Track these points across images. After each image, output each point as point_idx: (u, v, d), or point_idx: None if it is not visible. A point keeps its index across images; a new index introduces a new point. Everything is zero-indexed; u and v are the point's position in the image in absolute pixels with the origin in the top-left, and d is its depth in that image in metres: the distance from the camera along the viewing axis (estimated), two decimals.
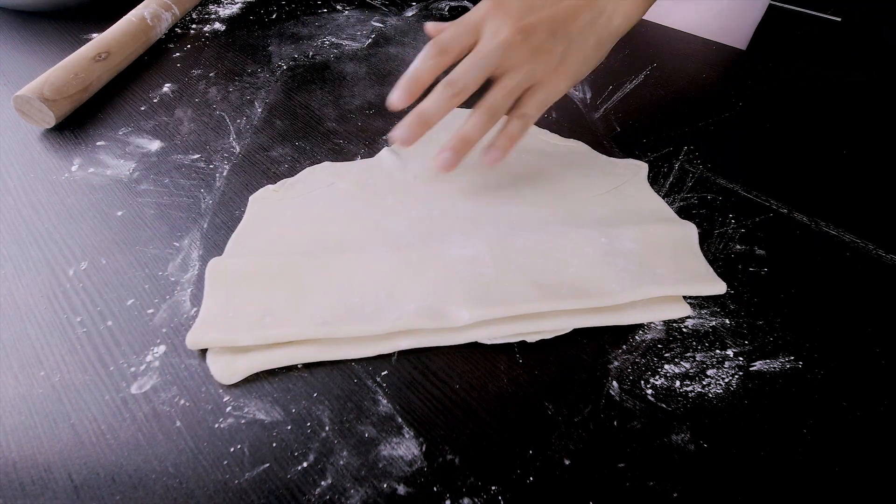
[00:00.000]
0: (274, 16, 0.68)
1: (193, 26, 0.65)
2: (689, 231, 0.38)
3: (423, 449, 0.28)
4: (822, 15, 0.69)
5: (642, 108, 0.52)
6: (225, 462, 0.27)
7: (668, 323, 0.34)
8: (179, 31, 0.64)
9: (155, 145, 0.46)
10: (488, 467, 0.27)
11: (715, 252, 0.38)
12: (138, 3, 0.61)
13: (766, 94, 0.55)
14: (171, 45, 0.61)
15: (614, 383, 0.30)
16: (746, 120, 0.52)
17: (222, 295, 0.33)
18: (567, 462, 0.27)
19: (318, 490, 0.26)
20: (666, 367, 0.31)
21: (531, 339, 0.32)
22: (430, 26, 0.43)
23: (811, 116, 0.52)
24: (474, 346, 0.32)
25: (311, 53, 0.60)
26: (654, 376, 0.31)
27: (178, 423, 0.28)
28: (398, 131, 0.37)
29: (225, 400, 0.29)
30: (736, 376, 0.31)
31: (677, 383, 0.30)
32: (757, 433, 0.28)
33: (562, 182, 0.43)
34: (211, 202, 0.41)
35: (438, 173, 0.43)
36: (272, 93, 0.54)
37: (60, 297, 0.34)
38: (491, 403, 0.30)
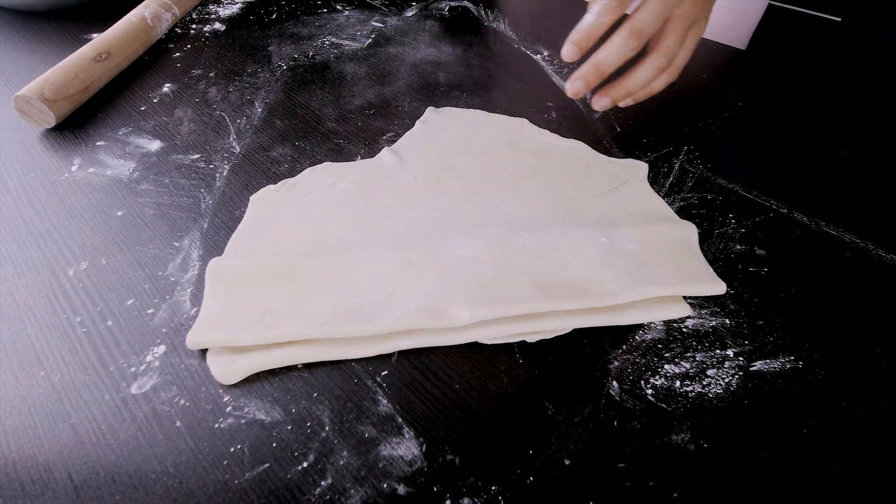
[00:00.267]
0: (274, 16, 0.68)
1: (193, 26, 0.65)
2: (689, 231, 0.38)
3: (423, 449, 0.28)
4: (822, 15, 0.69)
5: (642, 108, 0.52)
6: (225, 462, 0.27)
7: (668, 323, 0.34)
8: (179, 31, 0.64)
9: (155, 145, 0.46)
10: (488, 467, 0.27)
11: (715, 252, 0.38)
12: (138, 3, 0.61)
13: (766, 94, 0.55)
14: (171, 45, 0.61)
15: (614, 383, 0.30)
16: (746, 120, 0.51)
17: (222, 295, 0.33)
18: (567, 462, 0.27)
19: (318, 490, 0.26)
20: (666, 367, 0.31)
21: (531, 339, 0.32)
22: None
23: (811, 116, 0.52)
24: (474, 346, 0.32)
25: (311, 53, 0.60)
26: (654, 376, 0.31)
27: (178, 423, 0.28)
28: (572, 84, 0.37)
29: (225, 400, 0.29)
30: (736, 376, 0.31)
31: (677, 383, 0.30)
32: (757, 433, 0.28)
33: (562, 182, 0.43)
34: (211, 202, 0.41)
35: (438, 173, 0.44)
36: (272, 93, 0.54)
37: (60, 297, 0.34)
38: (491, 403, 0.30)
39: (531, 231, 0.37)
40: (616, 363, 0.31)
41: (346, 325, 0.31)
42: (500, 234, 0.37)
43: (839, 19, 0.70)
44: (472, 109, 0.51)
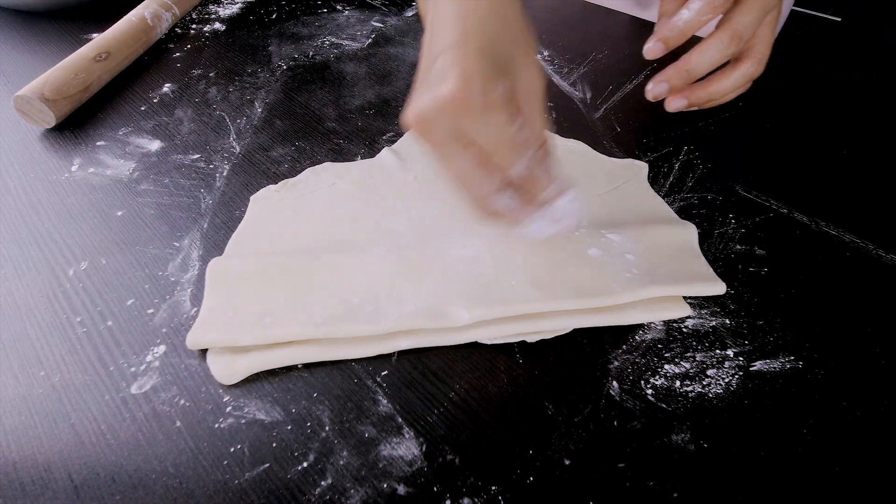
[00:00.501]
0: (274, 16, 0.68)
1: (193, 26, 0.65)
2: (689, 231, 0.38)
3: (423, 449, 0.28)
4: (822, 15, 0.69)
5: (642, 108, 0.52)
6: (225, 462, 0.27)
7: (668, 323, 0.34)
8: (179, 31, 0.64)
9: (155, 145, 0.46)
10: (488, 467, 0.27)
11: (715, 252, 0.38)
12: (138, 3, 0.61)
13: (766, 94, 0.55)
14: (171, 45, 0.61)
15: (614, 383, 0.30)
16: (746, 120, 0.51)
17: (222, 295, 0.33)
18: (567, 462, 0.27)
19: (318, 490, 0.26)
20: (666, 367, 0.31)
21: (531, 339, 0.32)
22: None
23: (811, 116, 0.52)
24: (474, 346, 0.32)
25: (311, 53, 0.60)
26: (654, 376, 0.31)
27: (178, 423, 0.28)
28: (655, 86, 0.34)
29: (225, 400, 0.29)
30: (736, 376, 0.31)
31: (677, 383, 0.30)
32: (757, 433, 0.28)
33: None
34: (211, 202, 0.41)
35: (438, 174, 0.43)
36: (272, 93, 0.54)
37: (60, 297, 0.34)
38: (491, 403, 0.30)
39: None
40: (616, 363, 0.31)
41: (346, 325, 0.31)
42: (500, 233, 0.37)
43: (839, 19, 0.70)
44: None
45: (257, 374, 0.31)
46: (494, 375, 0.31)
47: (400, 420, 0.29)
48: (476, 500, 0.26)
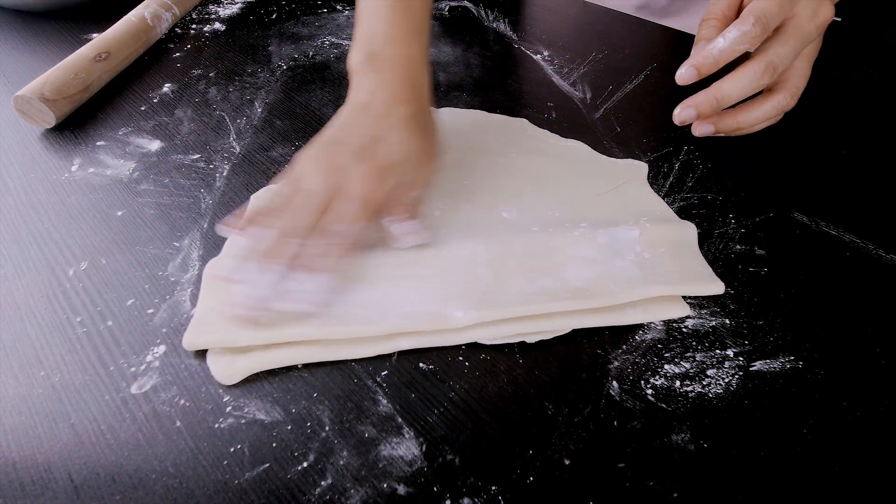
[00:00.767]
0: (274, 16, 0.68)
1: (193, 26, 0.65)
2: (689, 231, 0.38)
3: (423, 449, 0.28)
4: None
5: (642, 108, 0.52)
6: (225, 462, 0.27)
7: (668, 323, 0.34)
8: (179, 31, 0.64)
9: (155, 145, 0.46)
10: (488, 467, 0.27)
11: (715, 252, 0.38)
12: (138, 3, 0.61)
13: None
14: (171, 45, 0.61)
15: (614, 383, 0.30)
16: None
17: (218, 295, 0.33)
18: (567, 462, 0.27)
19: (318, 490, 0.26)
20: (666, 367, 0.31)
21: (531, 339, 0.32)
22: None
23: (811, 116, 0.52)
24: (474, 346, 0.32)
25: (311, 53, 0.60)
26: (654, 376, 0.31)
27: (178, 423, 0.28)
28: (683, 111, 0.33)
29: (225, 400, 0.29)
30: (736, 376, 0.31)
31: (677, 383, 0.30)
32: (757, 433, 0.28)
33: (561, 182, 0.43)
34: (211, 202, 0.41)
35: (438, 174, 0.43)
36: (272, 93, 0.54)
37: (60, 297, 0.34)
38: (491, 403, 0.30)
39: (531, 232, 0.37)
40: (616, 363, 0.31)
41: (345, 325, 0.31)
42: (500, 234, 0.37)
43: (839, 19, 0.70)
44: (471, 110, 0.51)
45: (257, 374, 0.31)
46: (494, 375, 0.31)
47: (400, 420, 0.29)
48: (476, 500, 0.26)
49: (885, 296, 0.35)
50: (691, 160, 0.46)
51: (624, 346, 0.32)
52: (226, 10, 0.69)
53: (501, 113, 0.51)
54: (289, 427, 0.28)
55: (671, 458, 0.27)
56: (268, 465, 0.27)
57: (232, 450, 0.27)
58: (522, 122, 0.49)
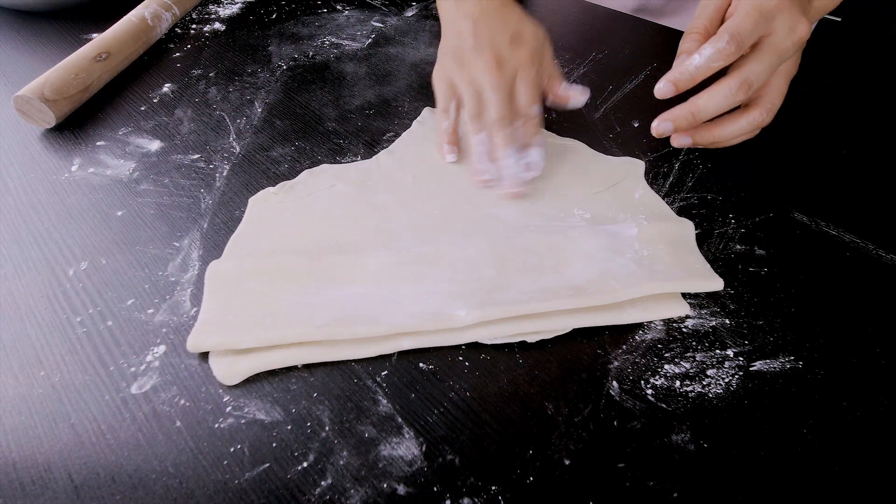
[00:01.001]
0: (274, 16, 0.68)
1: (193, 26, 0.65)
2: (686, 228, 0.38)
3: (423, 449, 0.28)
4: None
5: (642, 108, 0.52)
6: (225, 462, 0.27)
7: (668, 323, 0.34)
8: (179, 31, 0.64)
9: (155, 145, 0.46)
10: (488, 467, 0.27)
11: (715, 252, 0.38)
12: (138, 3, 0.61)
13: None
14: (171, 45, 0.61)
15: (614, 383, 0.30)
16: None
17: (221, 297, 0.33)
18: (567, 462, 0.27)
19: (318, 490, 0.26)
20: (666, 367, 0.31)
21: (531, 339, 0.32)
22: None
23: (811, 116, 0.52)
24: (474, 346, 0.32)
25: (311, 53, 0.60)
26: (654, 376, 0.31)
27: (178, 423, 0.28)
28: (660, 124, 0.34)
29: (225, 400, 0.29)
30: (736, 376, 0.31)
31: (677, 383, 0.30)
32: (757, 433, 0.28)
33: (560, 180, 0.43)
34: (211, 202, 0.41)
35: (436, 174, 0.43)
36: (272, 93, 0.54)
37: (60, 297, 0.34)
38: (491, 403, 0.30)
39: (529, 230, 0.38)
40: (616, 363, 0.31)
41: (347, 326, 0.31)
42: (499, 233, 0.37)
43: (839, 19, 0.70)
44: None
45: (257, 374, 0.31)
46: (494, 375, 0.31)
47: (400, 420, 0.29)
48: (476, 500, 0.26)
49: (885, 296, 0.35)
50: (691, 160, 0.46)
51: (624, 346, 0.32)
52: (226, 10, 0.69)
53: None
54: (289, 427, 0.28)
55: (671, 458, 0.27)
56: (268, 465, 0.27)
57: (232, 450, 0.27)
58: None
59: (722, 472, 0.27)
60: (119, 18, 0.57)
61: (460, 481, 0.26)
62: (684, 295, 0.35)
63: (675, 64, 0.35)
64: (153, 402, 0.29)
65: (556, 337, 0.32)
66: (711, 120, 0.36)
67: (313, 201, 0.41)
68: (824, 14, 0.45)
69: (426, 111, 0.50)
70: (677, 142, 0.38)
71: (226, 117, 0.50)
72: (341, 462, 0.27)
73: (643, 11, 0.70)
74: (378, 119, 0.50)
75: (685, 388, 0.30)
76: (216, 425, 0.28)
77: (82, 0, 0.66)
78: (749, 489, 0.26)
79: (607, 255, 0.35)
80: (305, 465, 0.27)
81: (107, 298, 0.34)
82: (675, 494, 0.26)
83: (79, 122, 0.49)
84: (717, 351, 0.32)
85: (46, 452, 0.27)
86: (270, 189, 0.42)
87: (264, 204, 0.41)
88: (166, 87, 0.54)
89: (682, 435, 0.28)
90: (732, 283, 0.36)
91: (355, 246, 0.37)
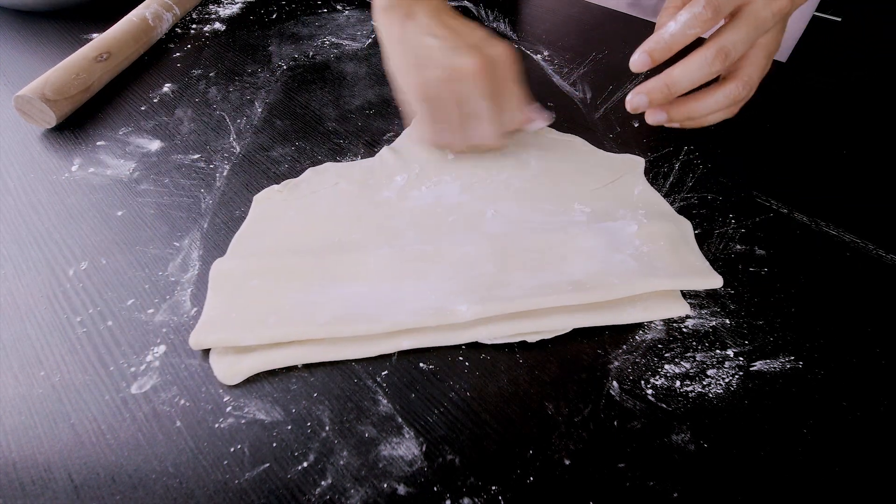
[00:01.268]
0: (274, 16, 0.68)
1: (193, 26, 0.65)
2: (686, 226, 0.38)
3: (423, 449, 0.28)
4: (822, 15, 0.69)
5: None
6: (225, 462, 0.27)
7: (668, 323, 0.34)
8: (179, 31, 0.64)
9: (155, 145, 0.46)
10: (488, 467, 0.27)
11: (715, 252, 0.38)
12: (139, 3, 0.61)
13: (766, 94, 0.55)
14: (172, 45, 0.61)
15: (614, 383, 0.30)
16: (746, 120, 0.51)
17: (225, 295, 0.33)
18: (567, 462, 0.27)
19: (318, 490, 0.26)
20: (666, 367, 0.31)
21: (531, 338, 0.32)
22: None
23: (811, 116, 0.52)
24: (474, 346, 0.32)
25: (311, 53, 0.60)
26: (654, 376, 0.31)
27: (178, 423, 0.28)
28: (634, 97, 0.33)
29: (225, 400, 0.29)
30: (736, 376, 0.31)
31: (677, 383, 0.30)
32: (757, 433, 0.28)
33: (559, 177, 0.43)
34: (211, 202, 0.41)
35: (438, 171, 0.43)
36: (272, 93, 0.54)
37: (60, 297, 0.34)
38: (491, 403, 0.30)
39: (530, 227, 0.38)
40: (616, 363, 0.31)
41: (349, 324, 0.31)
42: (500, 230, 0.37)
43: (839, 19, 0.70)
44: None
45: (257, 374, 0.31)
46: (494, 375, 0.31)
47: (400, 420, 0.29)
48: (476, 500, 0.26)
49: (885, 296, 0.35)
50: (691, 160, 0.46)
51: (624, 346, 0.32)
52: (226, 10, 0.69)
53: None
54: (289, 427, 0.28)
55: (671, 458, 0.27)
56: (268, 465, 0.27)
57: (232, 450, 0.27)
58: None
59: (722, 472, 0.27)
60: (119, 18, 0.57)
61: (460, 481, 0.26)
62: (684, 294, 0.35)
63: (648, 38, 0.34)
64: (153, 402, 0.29)
65: (556, 337, 0.32)
66: (688, 94, 0.35)
67: (317, 199, 0.41)
68: None
69: None
70: (652, 118, 0.36)
71: (226, 117, 0.50)
72: (341, 462, 0.27)
73: (636, 7, 0.70)
74: (378, 119, 0.50)
75: (685, 388, 0.30)
76: (216, 425, 0.28)
77: (83, 0, 0.66)
78: (749, 489, 0.26)
79: (607, 252, 0.35)
80: (305, 465, 0.27)
81: (107, 298, 0.34)
82: (675, 494, 0.26)
83: (79, 122, 0.49)
84: (718, 351, 0.32)
85: (46, 452, 0.27)
86: (275, 187, 0.42)
87: (268, 202, 0.41)
88: (166, 87, 0.54)
89: (683, 435, 0.28)
90: (732, 283, 0.36)
91: (358, 244, 0.37)
